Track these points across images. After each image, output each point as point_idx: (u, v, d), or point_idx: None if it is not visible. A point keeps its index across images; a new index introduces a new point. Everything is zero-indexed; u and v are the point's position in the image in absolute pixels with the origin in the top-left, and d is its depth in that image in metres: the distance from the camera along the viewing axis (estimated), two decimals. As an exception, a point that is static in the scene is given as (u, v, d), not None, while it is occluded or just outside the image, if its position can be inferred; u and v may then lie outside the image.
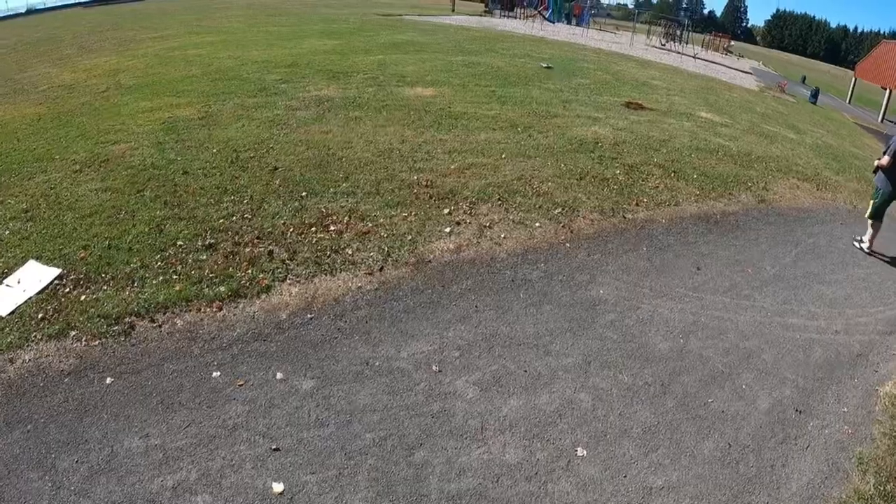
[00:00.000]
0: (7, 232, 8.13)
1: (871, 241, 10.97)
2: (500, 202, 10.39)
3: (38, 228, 8.22)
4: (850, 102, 45.75)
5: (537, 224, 9.83)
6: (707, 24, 55.44)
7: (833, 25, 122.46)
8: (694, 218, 11.26)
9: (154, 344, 6.35)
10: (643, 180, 12.49)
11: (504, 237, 9.32)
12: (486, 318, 7.53)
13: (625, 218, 10.62)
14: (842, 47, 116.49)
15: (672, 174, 13.18)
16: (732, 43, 62.71)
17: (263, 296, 7.44)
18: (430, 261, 8.53)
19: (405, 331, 7.15)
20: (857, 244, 11.27)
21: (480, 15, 55.06)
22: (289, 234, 8.83)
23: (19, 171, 10.36)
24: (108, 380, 5.81)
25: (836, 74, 78.81)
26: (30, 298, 6.74)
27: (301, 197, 9.95)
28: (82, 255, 7.58)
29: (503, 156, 12.60)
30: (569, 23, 54.74)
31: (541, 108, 17.05)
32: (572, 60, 28.23)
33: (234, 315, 7.06)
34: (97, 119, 13.98)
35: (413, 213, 9.66)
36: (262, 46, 25.44)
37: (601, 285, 8.56)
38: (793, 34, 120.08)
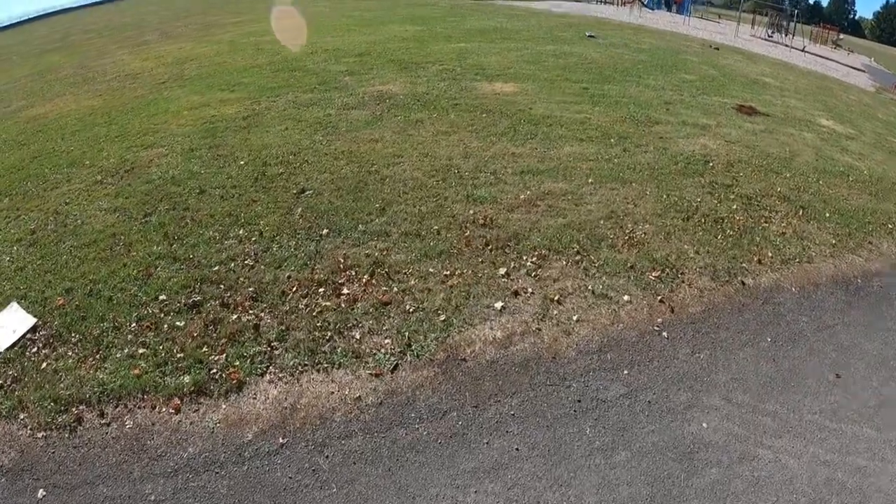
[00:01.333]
0: (7, 259, 7.38)
1: None
2: (578, 257, 7.57)
3: (35, 257, 7.32)
4: (974, 105, 39.89)
5: (626, 297, 6.96)
6: (812, 15, 50.02)
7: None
8: (830, 283, 8.14)
9: (96, 450, 5.03)
10: (766, 221, 9.36)
11: (577, 320, 6.52)
12: (529, 471, 4.88)
13: (743, 285, 7.62)
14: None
15: (800, 211, 9.96)
16: (842, 36, 56.44)
17: (233, 397, 5.41)
18: (464, 359, 5.91)
19: (405, 486, 4.68)
20: None
21: (577, 0, 51.07)
22: (290, 295, 6.56)
23: (48, 177, 9.76)
24: (41, 493, 4.69)
25: (959, 71, 71.00)
26: (-1, 353, 5.48)
27: (320, 236, 7.63)
28: (61, 301, 6.45)
29: (590, 179, 9.72)
30: (668, 10, 50.11)
31: (639, 111, 13.90)
32: (675, 52, 24.49)
33: (192, 424, 5.22)
34: (143, 116, 12.70)
35: (457, 273, 7.03)
36: (340, 32, 23.33)
37: (706, 411, 5.65)
38: None
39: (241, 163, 9.89)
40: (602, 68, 18.19)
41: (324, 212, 8.25)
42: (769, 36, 42.09)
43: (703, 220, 8.89)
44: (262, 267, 7.04)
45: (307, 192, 8.84)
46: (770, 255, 8.40)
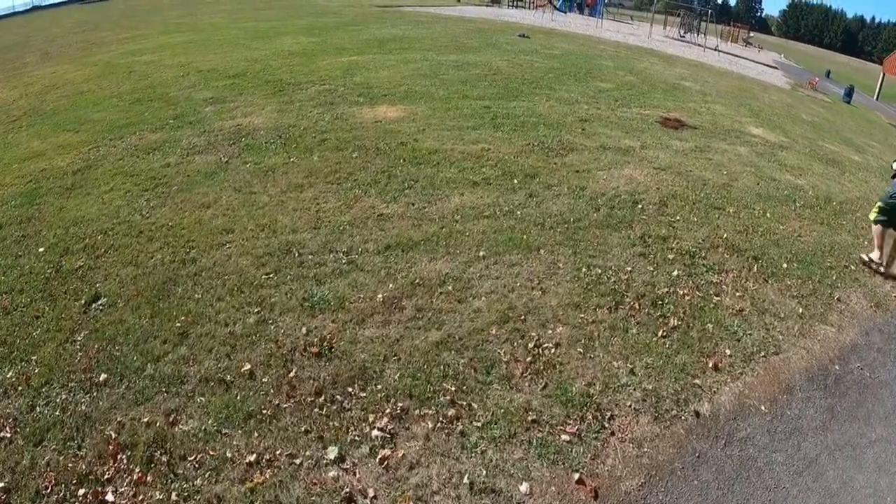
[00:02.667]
0: None
1: (880, 248, 7.97)
2: (453, 410, 4.79)
3: None
4: (877, 99, 38.80)
5: (524, 486, 4.22)
6: (721, 14, 48.34)
7: (850, 16, 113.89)
8: (805, 381, 5.72)
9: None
10: (716, 291, 6.79)
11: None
12: None
13: (697, 416, 5.01)
14: (858, 38, 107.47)
15: (753, 266, 7.49)
16: (752, 34, 55.12)
17: None
18: None
19: None
20: (864, 257, 8.15)
21: (487, 5, 48.15)
22: (44, 499, 3.32)
23: None
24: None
25: (856, 67, 71.07)
26: None
27: (97, 385, 4.98)
28: None
29: (481, 251, 6.88)
30: (581, 13, 47.71)
31: (550, 133, 11.17)
32: (588, 57, 21.80)
33: None
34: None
35: (265, 458, 4.27)
36: (225, 48, 19.92)
37: None
38: (808, 24, 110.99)
39: (42, 249, 6.94)
40: (508, 80, 15.24)
41: (110, 338, 5.34)
42: (682, 36, 40.13)
43: (636, 306, 6.17)
44: (21, 442, 4.31)
45: (99, 302, 5.89)
46: (728, 352, 5.82)
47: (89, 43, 24.88)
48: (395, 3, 36.91)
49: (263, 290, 5.91)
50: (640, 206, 8.39)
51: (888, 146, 18.78)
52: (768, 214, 9.07)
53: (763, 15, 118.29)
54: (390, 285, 5.99)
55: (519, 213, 7.70)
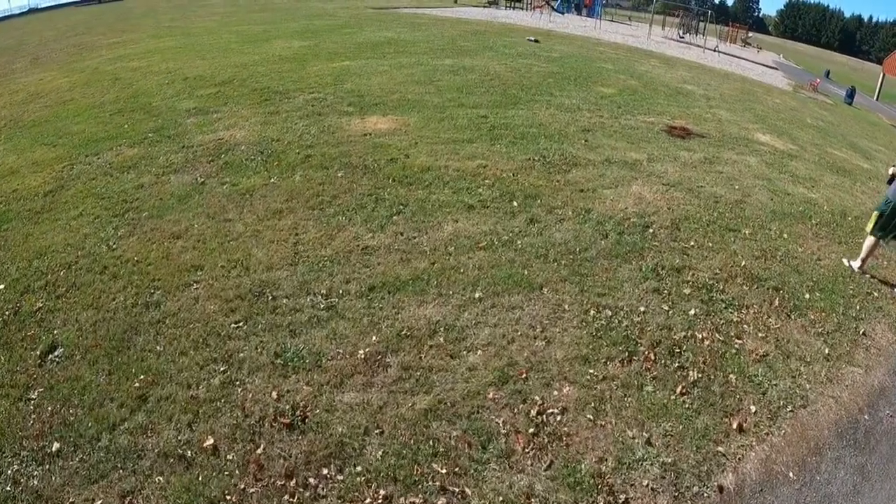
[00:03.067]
0: None
1: (864, 259, 7.78)
2: (443, 498, 4.09)
3: None
4: (877, 99, 37.99)
5: None
6: (719, 14, 47.39)
7: (847, 15, 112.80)
8: (834, 439, 5.05)
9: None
10: (737, 332, 6.07)
11: None
12: None
13: (721, 494, 4.30)
14: (856, 37, 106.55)
15: (775, 298, 6.78)
16: (750, 34, 54.22)
17: None
18: None
19: None
20: (846, 262, 7.96)
21: (484, 6, 47.26)
22: None
23: None
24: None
25: (855, 67, 70.21)
26: None
27: (49, 456, 4.27)
28: None
29: (477, 292, 6.13)
30: (579, 14, 46.83)
31: (552, 146, 10.44)
32: (588, 59, 20.99)
33: None
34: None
35: None
36: (215, 53, 19.13)
37: None
38: (806, 24, 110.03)
39: (2, 287, 6.17)
40: (507, 86, 14.44)
41: (66, 398, 4.65)
42: (681, 37, 39.27)
43: (652, 356, 5.46)
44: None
45: (57, 353, 5.16)
46: (753, 408, 5.13)
47: (80, 47, 24.09)
48: (391, 5, 36.10)
49: (231, 343, 5.13)
50: (650, 230, 7.62)
51: (894, 150, 17.97)
52: (785, 235, 8.39)
53: (760, 14, 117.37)
54: (373, 337, 5.21)
55: (519, 242, 6.91)
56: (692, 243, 7.53)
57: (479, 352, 5.17)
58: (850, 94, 30.29)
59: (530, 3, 42.69)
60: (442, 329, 5.39)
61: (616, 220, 7.75)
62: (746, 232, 8.18)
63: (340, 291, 5.84)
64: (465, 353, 5.16)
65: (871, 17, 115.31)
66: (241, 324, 5.40)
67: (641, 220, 7.83)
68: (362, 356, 5.01)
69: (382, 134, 10.25)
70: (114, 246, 6.86)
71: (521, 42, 23.28)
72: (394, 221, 7.20)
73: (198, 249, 6.63)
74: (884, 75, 40.19)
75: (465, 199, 7.86)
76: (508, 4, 45.75)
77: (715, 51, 34.52)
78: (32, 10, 52.36)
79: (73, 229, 7.35)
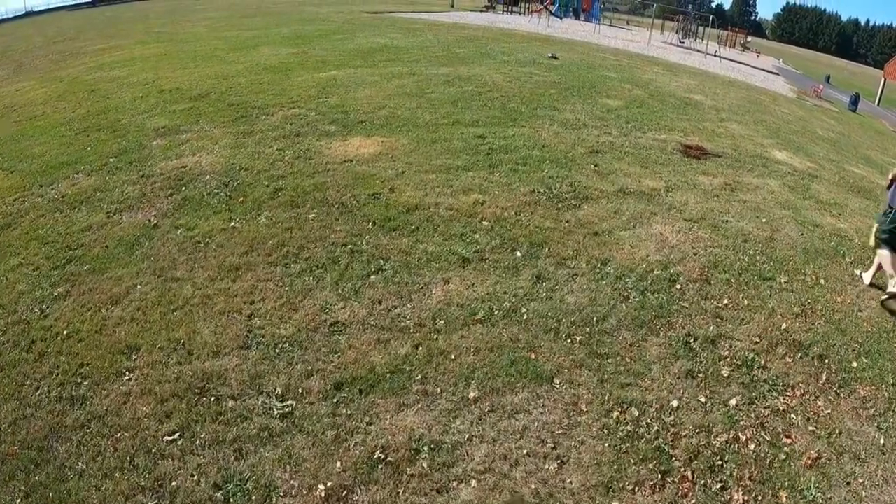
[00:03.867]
0: None
1: (873, 272, 7.07)
2: None
3: None
4: (878, 104, 36.58)
5: None
6: (716, 18, 45.93)
7: (844, 18, 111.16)
8: None
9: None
10: (784, 430, 4.83)
11: None
12: None
13: None
14: (853, 41, 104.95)
15: (822, 373, 5.54)
16: (749, 38, 52.77)
17: None
18: None
19: None
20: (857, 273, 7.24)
21: (481, 10, 45.71)
22: None
23: None
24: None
25: (854, 71, 68.70)
26: None
27: None
28: None
29: (472, 388, 4.91)
30: (577, 18, 45.34)
31: (559, 174, 9.13)
32: (591, 67, 19.58)
33: None
34: None
35: None
36: (198, 61, 17.77)
37: None
38: (803, 28, 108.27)
39: None
40: (506, 98, 13.06)
41: None
42: (681, 42, 37.85)
43: (689, 475, 4.25)
44: None
45: None
46: None
47: (65, 54, 22.78)
48: (387, 9, 34.58)
49: (164, 465, 3.83)
50: (677, 285, 6.28)
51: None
52: (822, 281, 7.14)
53: (757, 18, 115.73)
54: (338, 464, 3.87)
55: (524, 310, 5.53)
56: (725, 301, 6.20)
57: (474, 482, 3.81)
58: (854, 101, 29.05)
59: (528, 8, 41.23)
60: (426, 448, 4.03)
61: (638, 273, 6.38)
62: (782, 281, 6.90)
63: (300, 390, 4.46)
64: (454, 483, 3.81)
65: (867, 21, 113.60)
66: (176, 436, 4.06)
67: (666, 273, 6.47)
68: (322, 494, 3.61)
69: (365, 160, 8.87)
70: (47, 311, 5.61)
71: (520, 48, 21.90)
72: (371, 283, 5.82)
73: (136, 322, 5.27)
74: (885, 80, 38.76)
75: (459, 250, 6.48)
76: (506, 9, 44.25)
77: (715, 55, 33.11)
78: (29, 14, 50.76)
79: (10, 284, 6.15)
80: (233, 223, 7.00)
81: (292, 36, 22.66)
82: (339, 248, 6.46)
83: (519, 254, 6.59)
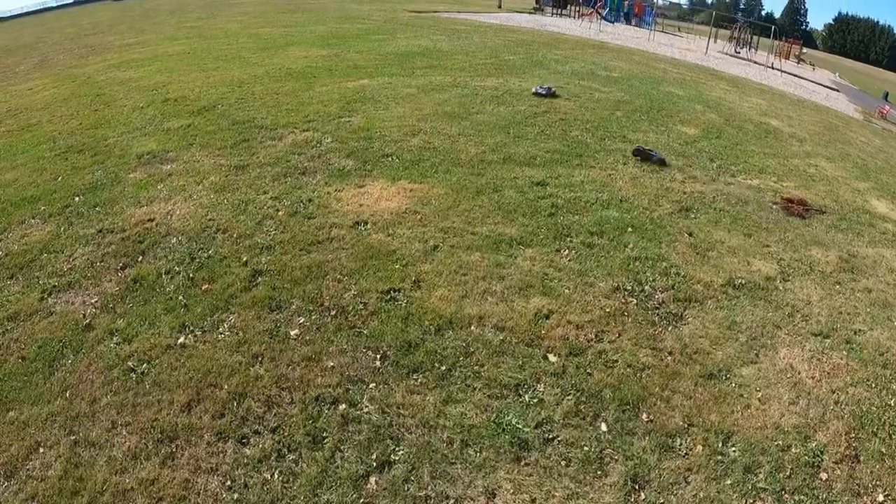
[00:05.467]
0: None
1: None
2: None
3: None
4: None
5: None
6: (766, 27, 41.84)
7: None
8: None
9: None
10: None
11: None
12: None
13: None
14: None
15: None
16: (804, 50, 48.45)
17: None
18: None
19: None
20: None
21: (530, 12, 42.40)
22: None
23: None
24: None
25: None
26: None
27: None
28: None
29: None
30: (628, 23, 41.76)
31: (647, 252, 6.43)
32: (654, 81, 16.49)
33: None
34: None
35: None
36: (219, 63, 15.45)
37: None
38: (854, 39, 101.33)
39: None
40: (567, 122, 10.24)
41: None
42: (737, 52, 34.22)
43: None
44: None
45: None
46: None
47: (91, 49, 20.79)
48: (431, 9, 31.57)
49: None
50: (822, 473, 3.74)
51: None
52: None
53: (808, 28, 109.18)
54: None
55: None
56: (880, 497, 3.32)
57: None
58: (925, 124, 25.18)
59: (577, 11, 37.85)
60: None
61: (772, 457, 3.67)
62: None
63: None
64: None
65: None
66: None
67: (807, 449, 3.74)
68: None
69: (385, 223, 6.11)
70: None
71: (574, 56, 18.86)
72: (369, 495, 3.00)
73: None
74: (952, 99, 34.67)
75: (514, 422, 3.77)
76: (555, 11, 40.91)
77: (772, 68, 29.58)
78: (71, 4, 48.96)
79: None
80: (182, 338, 4.37)
81: (327, 35, 19.96)
82: (325, 408, 3.74)
83: (604, 427, 3.82)
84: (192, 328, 4.64)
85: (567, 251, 5.97)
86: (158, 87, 12.71)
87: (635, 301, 5.30)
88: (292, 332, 4.51)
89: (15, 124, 11.06)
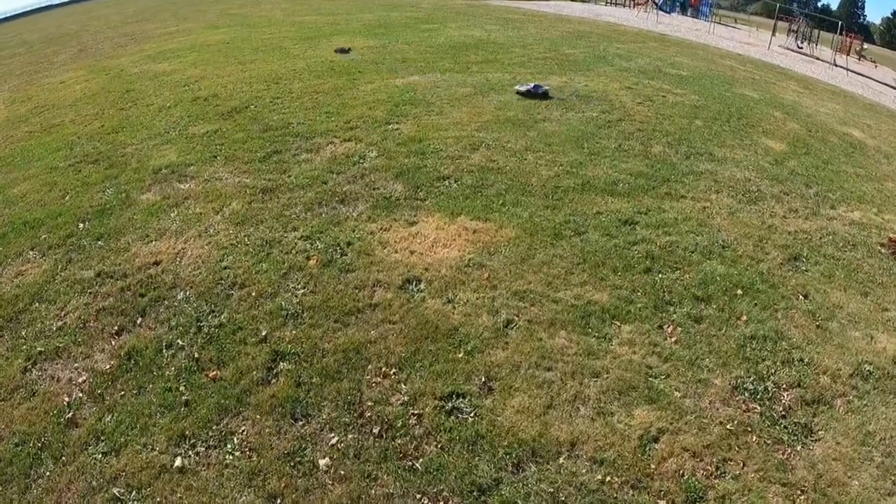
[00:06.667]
0: None
1: None
2: None
3: None
4: None
5: None
6: (823, 19, 38.87)
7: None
8: None
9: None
10: None
11: None
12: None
13: None
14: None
15: None
16: (866, 46, 45.21)
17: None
18: None
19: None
20: None
21: (584, 1, 40.24)
22: None
23: None
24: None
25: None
26: None
27: None
28: None
29: None
30: (684, 13, 39.35)
31: (762, 331, 4.85)
32: (725, 81, 14.73)
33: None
34: None
35: None
36: (258, 55, 14.21)
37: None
38: None
39: None
40: (647, 135, 8.82)
41: None
42: (799, 47, 31.77)
43: None
44: None
45: None
46: None
47: (130, 38, 19.92)
48: (482, -6, 29.81)
49: None
50: None
51: None
52: None
53: (865, 21, 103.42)
54: None
55: None
56: None
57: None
58: None
59: (632, 0, 35.67)
60: None
61: None
62: None
63: None
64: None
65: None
66: None
67: None
68: None
69: (443, 282, 4.74)
70: None
71: (637, 51, 17.08)
72: None
73: None
74: None
75: None
76: (610, 0, 38.72)
77: (835, 65, 27.23)
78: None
79: None
80: (181, 458, 3.29)
81: (374, 24, 18.53)
82: None
83: None
84: (193, 440, 3.37)
85: (671, 327, 4.50)
86: (190, 81, 11.63)
87: (759, 408, 3.87)
88: (322, 462, 3.19)
89: (39, 124, 10.13)
